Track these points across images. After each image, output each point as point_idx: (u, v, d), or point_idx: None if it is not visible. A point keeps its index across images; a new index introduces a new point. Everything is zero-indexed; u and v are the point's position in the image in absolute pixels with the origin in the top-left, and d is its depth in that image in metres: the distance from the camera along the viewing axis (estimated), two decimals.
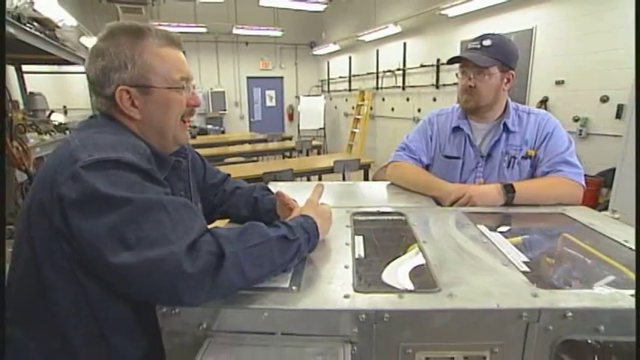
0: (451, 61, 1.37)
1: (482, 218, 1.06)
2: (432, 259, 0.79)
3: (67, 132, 3.05)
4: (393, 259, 0.83)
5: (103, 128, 0.76)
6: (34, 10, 2.68)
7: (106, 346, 0.71)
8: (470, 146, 1.41)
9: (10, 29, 1.94)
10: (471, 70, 1.30)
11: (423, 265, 0.79)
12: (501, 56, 1.28)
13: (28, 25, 2.26)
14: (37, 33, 2.43)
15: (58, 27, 2.96)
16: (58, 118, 3.51)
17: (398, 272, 0.79)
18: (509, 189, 1.19)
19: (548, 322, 0.61)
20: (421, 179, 1.39)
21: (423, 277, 0.75)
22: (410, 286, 0.75)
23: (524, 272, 0.73)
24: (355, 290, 0.67)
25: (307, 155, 6.37)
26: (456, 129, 1.44)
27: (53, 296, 0.68)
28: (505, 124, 1.36)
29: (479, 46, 1.29)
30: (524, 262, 0.78)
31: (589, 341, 0.70)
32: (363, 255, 0.85)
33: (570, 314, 0.60)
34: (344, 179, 4.39)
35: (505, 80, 1.32)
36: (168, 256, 0.60)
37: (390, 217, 1.12)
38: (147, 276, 0.60)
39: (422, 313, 0.62)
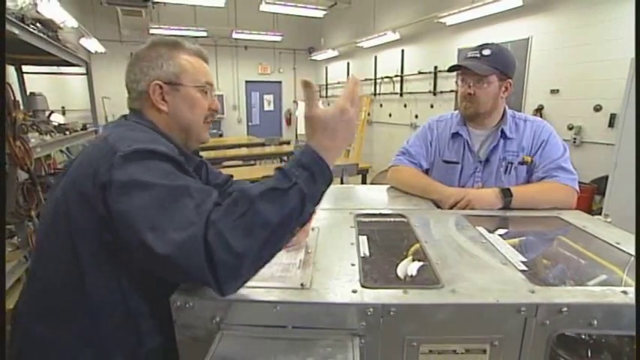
0: (451, 69, 1.41)
1: (480, 221, 1.09)
2: (433, 258, 0.82)
3: (67, 132, 3.06)
4: (397, 258, 0.86)
5: (135, 126, 0.85)
6: (37, 12, 2.71)
7: (136, 334, 0.75)
8: (468, 152, 1.45)
9: (13, 29, 1.96)
10: (471, 78, 1.35)
11: (425, 263, 0.82)
12: (500, 65, 1.33)
13: (31, 26, 2.28)
14: (40, 34, 2.45)
15: (60, 28, 2.98)
16: (57, 118, 3.52)
17: (402, 270, 0.82)
18: (506, 193, 1.24)
19: (545, 316, 0.64)
20: (421, 183, 1.43)
21: (426, 275, 0.78)
22: (414, 282, 0.79)
23: (521, 271, 0.77)
24: (362, 286, 0.70)
25: None
26: (455, 135, 1.48)
27: (90, 287, 0.72)
28: (503, 131, 1.40)
29: (478, 55, 1.34)
30: (522, 262, 0.81)
31: (582, 336, 0.73)
32: (367, 254, 0.89)
33: (565, 309, 0.64)
34: (342, 184, 4.42)
35: (503, 88, 1.37)
36: (192, 238, 0.60)
37: (392, 219, 1.16)
38: (175, 258, 0.61)
39: (426, 308, 0.65)
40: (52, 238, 0.75)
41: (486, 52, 1.33)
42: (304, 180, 0.63)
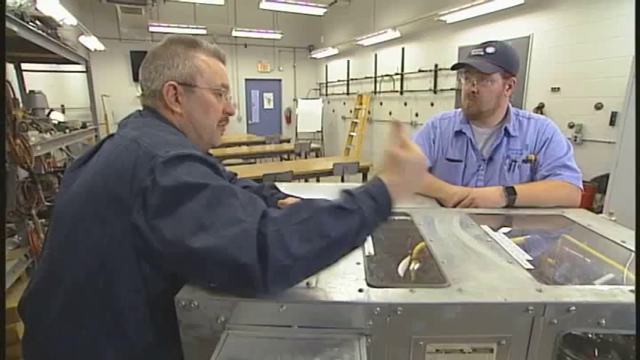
0: (455, 67, 1.40)
1: (485, 219, 1.09)
2: (439, 257, 0.82)
3: (67, 131, 3.05)
4: (402, 257, 0.86)
5: (160, 126, 0.84)
6: (37, 9, 2.70)
7: (159, 332, 0.75)
8: (472, 150, 1.45)
9: (13, 27, 1.95)
10: (475, 76, 1.34)
11: (431, 262, 0.82)
12: (504, 63, 1.32)
13: (30, 23, 2.27)
14: (40, 32, 2.44)
15: (59, 26, 2.97)
16: (57, 116, 3.51)
17: (408, 268, 0.81)
18: (510, 191, 1.23)
19: (552, 315, 0.64)
20: (425, 181, 1.42)
21: (432, 273, 0.77)
22: (421, 281, 0.78)
23: (528, 269, 0.76)
24: (369, 285, 0.70)
25: (305, 158, 6.39)
26: (459, 133, 1.47)
27: (115, 287, 0.72)
28: (506, 129, 1.39)
29: (482, 53, 1.33)
30: (528, 261, 0.81)
31: (589, 336, 0.73)
32: (373, 252, 0.88)
33: (573, 308, 0.64)
34: (343, 182, 4.42)
35: (507, 86, 1.36)
36: (243, 233, 0.61)
37: (395, 217, 1.14)
38: (226, 253, 0.61)
39: (433, 307, 0.65)
40: (76, 239, 0.74)
41: (490, 49, 1.32)
42: (368, 208, 0.65)
